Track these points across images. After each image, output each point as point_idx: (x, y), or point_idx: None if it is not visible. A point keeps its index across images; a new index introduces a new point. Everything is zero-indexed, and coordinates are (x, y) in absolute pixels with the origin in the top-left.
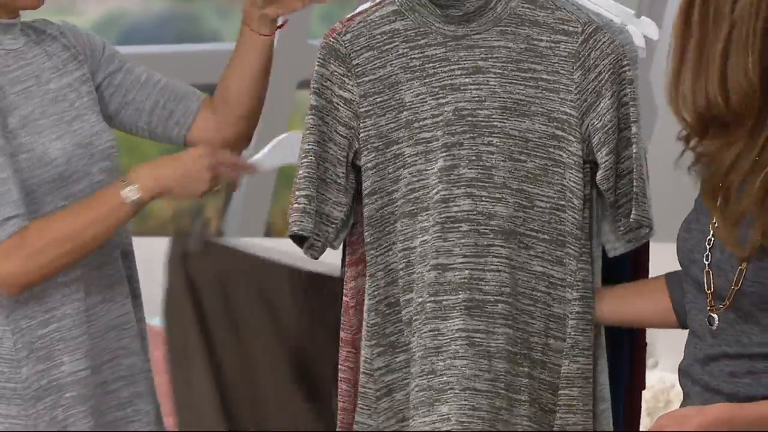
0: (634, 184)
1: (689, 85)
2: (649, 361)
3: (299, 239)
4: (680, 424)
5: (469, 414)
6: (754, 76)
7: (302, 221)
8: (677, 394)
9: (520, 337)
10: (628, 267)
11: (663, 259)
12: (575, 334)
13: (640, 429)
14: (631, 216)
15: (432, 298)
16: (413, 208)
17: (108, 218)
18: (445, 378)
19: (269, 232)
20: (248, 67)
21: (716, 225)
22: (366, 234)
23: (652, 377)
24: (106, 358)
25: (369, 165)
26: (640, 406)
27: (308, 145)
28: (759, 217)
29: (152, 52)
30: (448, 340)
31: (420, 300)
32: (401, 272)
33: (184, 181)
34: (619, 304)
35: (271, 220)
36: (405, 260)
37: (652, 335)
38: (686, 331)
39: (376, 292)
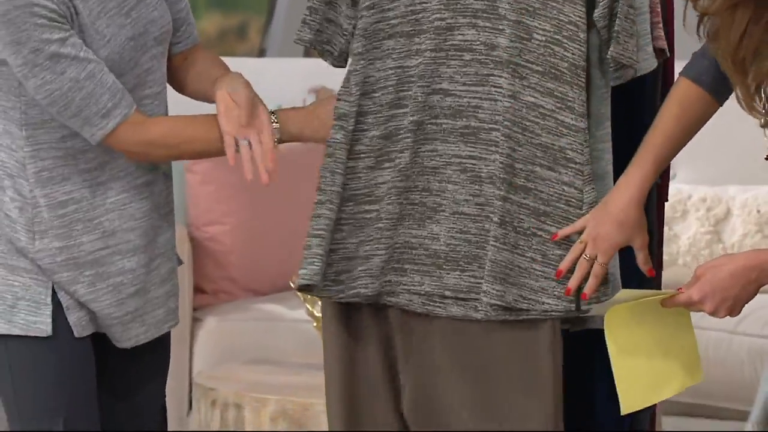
0: (616, 22)
1: None
2: None
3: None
4: (714, 274)
5: (457, 237)
6: None
7: (301, 31)
8: (693, 204)
9: (504, 162)
10: (653, 95)
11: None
12: (585, 159)
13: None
14: (609, 52)
15: (433, 120)
16: (411, 29)
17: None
18: (439, 199)
19: (308, 52)
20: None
21: (737, 90)
22: (356, 45)
23: (669, 189)
24: (148, 238)
25: None
26: (663, 217)
27: None
28: None
29: None
30: (444, 163)
31: (415, 119)
32: (390, 88)
33: (313, 125)
34: (673, 151)
35: None
36: (396, 78)
37: None
38: (704, 142)
39: (351, 99)
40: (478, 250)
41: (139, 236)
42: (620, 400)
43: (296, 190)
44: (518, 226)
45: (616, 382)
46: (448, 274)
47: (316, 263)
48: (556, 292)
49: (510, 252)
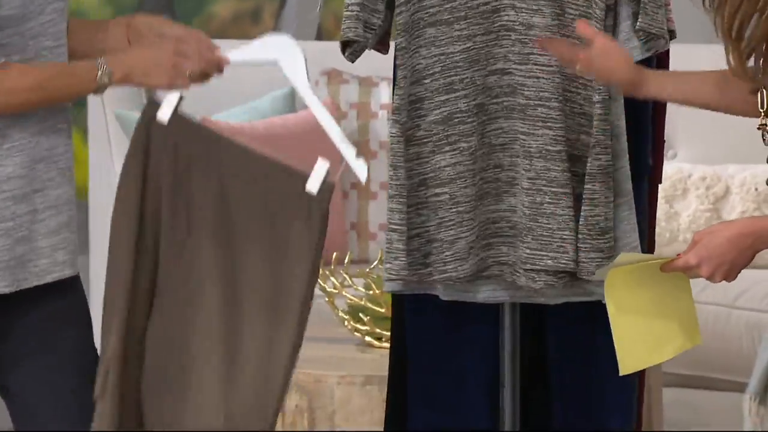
0: None
1: None
2: (668, 153)
3: (344, 44)
4: (710, 239)
5: (531, 208)
6: None
7: (356, 27)
8: (693, 182)
9: (560, 135)
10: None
11: (682, 62)
12: (598, 134)
13: (658, 213)
14: (637, 24)
15: (495, 100)
16: (449, 17)
17: (74, 90)
18: (512, 173)
19: (320, 35)
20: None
21: (730, 57)
22: (399, 40)
23: (670, 168)
24: (36, 187)
25: None
26: (657, 197)
27: None
28: (760, 51)
29: None
30: (511, 139)
31: (477, 102)
32: (437, 75)
33: (148, 71)
34: (691, 89)
35: (322, 23)
36: (441, 65)
37: (672, 129)
38: (704, 123)
39: (401, 92)
40: (531, 223)
41: (22, 185)
42: (619, 360)
43: (305, 164)
44: (572, 194)
45: (615, 343)
46: (522, 244)
47: (400, 258)
48: (592, 254)
49: (577, 222)
